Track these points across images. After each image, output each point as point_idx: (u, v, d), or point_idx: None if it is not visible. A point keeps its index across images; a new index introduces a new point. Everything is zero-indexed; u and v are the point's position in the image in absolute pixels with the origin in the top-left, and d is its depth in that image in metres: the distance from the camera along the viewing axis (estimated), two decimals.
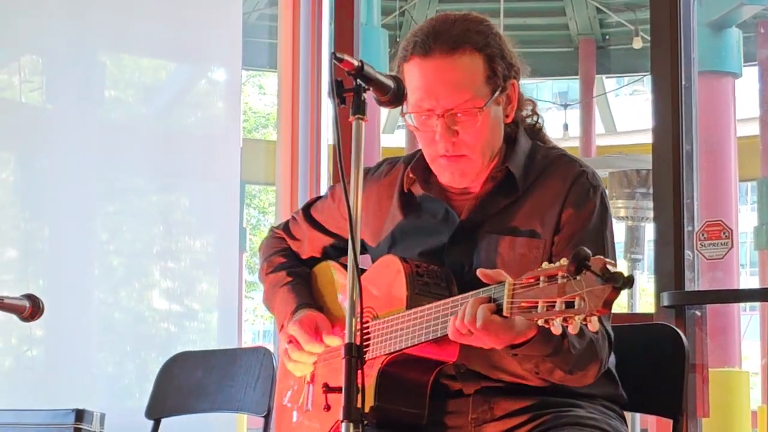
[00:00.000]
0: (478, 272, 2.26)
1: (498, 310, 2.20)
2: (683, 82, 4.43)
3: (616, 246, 2.64)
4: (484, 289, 2.25)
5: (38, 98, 4.87)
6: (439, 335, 2.34)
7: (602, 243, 2.52)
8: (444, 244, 2.58)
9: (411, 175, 2.68)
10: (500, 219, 2.56)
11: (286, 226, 2.96)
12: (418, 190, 2.69)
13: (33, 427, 3.44)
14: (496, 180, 2.58)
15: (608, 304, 2.00)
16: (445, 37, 2.52)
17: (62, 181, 4.66)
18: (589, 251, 2.01)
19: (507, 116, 2.61)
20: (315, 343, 2.64)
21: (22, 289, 2.93)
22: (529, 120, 2.72)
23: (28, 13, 4.67)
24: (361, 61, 2.31)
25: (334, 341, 2.63)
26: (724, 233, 4.34)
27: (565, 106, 18.34)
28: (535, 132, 2.73)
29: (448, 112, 2.50)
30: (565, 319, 2.04)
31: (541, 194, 2.57)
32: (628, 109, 20.70)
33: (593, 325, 2.03)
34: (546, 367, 2.38)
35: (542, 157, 2.63)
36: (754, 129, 11.34)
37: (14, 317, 2.86)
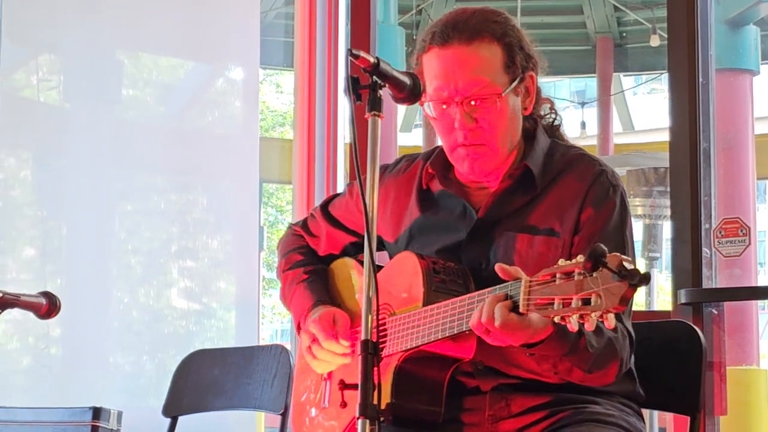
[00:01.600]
0: (496, 267, 2.25)
1: (515, 308, 2.19)
2: (701, 80, 4.42)
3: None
4: (501, 286, 2.25)
5: (56, 97, 4.88)
6: (455, 332, 2.34)
7: (622, 242, 2.52)
8: (461, 241, 2.58)
9: (430, 171, 2.69)
10: (518, 216, 2.56)
11: (304, 223, 2.97)
12: (436, 187, 2.69)
13: (51, 424, 3.45)
14: (514, 177, 2.58)
15: (625, 301, 2.00)
16: (464, 27, 2.54)
17: (80, 179, 4.68)
18: (605, 248, 2.01)
19: (525, 109, 2.62)
20: (333, 341, 2.63)
21: (40, 287, 2.94)
22: (547, 118, 2.73)
23: (46, 12, 4.68)
24: (377, 58, 2.31)
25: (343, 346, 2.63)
26: (741, 230, 4.32)
27: (583, 104, 18.29)
28: (553, 130, 2.73)
29: (466, 99, 2.51)
30: (581, 316, 2.03)
31: (559, 193, 2.56)
32: (646, 107, 20.63)
33: (610, 322, 2.02)
34: (564, 367, 2.38)
35: (561, 156, 2.62)
36: None
37: (32, 316, 2.88)
